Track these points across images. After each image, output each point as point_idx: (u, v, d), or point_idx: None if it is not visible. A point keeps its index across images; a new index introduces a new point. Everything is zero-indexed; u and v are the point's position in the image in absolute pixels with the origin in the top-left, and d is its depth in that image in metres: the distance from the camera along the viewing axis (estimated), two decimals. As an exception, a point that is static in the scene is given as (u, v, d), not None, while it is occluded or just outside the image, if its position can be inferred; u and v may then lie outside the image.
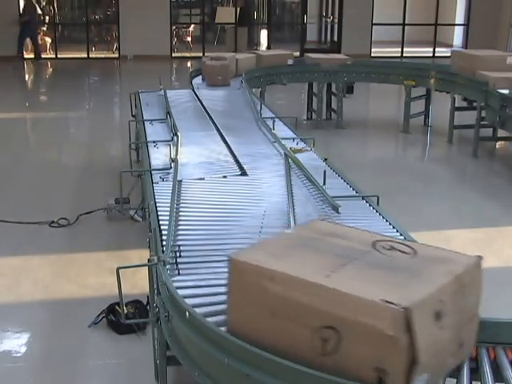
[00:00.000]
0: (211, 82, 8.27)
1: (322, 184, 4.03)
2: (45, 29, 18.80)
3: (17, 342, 4.07)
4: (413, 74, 9.72)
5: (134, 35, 17.20)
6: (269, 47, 18.58)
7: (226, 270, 2.99)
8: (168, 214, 3.46)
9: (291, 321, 2.08)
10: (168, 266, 2.90)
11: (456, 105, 9.07)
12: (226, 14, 19.67)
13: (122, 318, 3.50)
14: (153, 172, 4.36)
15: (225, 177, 4.33)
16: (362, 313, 1.93)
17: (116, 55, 18.16)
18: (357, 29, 18.04)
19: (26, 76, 16.69)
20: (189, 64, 17.19)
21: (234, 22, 18.90)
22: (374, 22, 18.43)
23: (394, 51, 18.48)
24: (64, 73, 16.43)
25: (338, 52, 18.27)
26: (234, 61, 8.92)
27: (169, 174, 4.29)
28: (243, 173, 4.42)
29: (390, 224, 3.53)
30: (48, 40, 18.20)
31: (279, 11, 21.98)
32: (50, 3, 19.12)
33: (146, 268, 3.24)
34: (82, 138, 9.72)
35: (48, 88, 15.06)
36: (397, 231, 3.43)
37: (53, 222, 5.90)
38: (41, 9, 19.48)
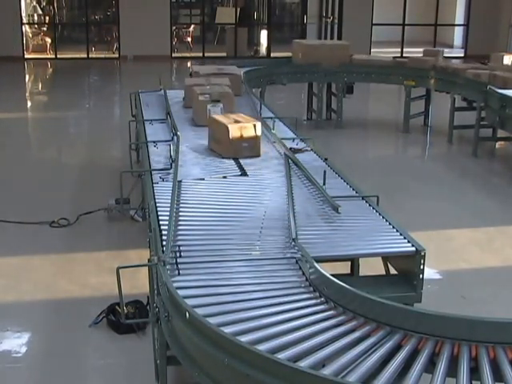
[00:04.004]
0: (200, 122, 5.70)
1: (322, 184, 4.04)
2: (45, 29, 18.78)
3: (17, 342, 4.07)
4: (413, 74, 9.72)
5: (134, 35, 17.18)
6: (269, 48, 18.56)
7: (225, 270, 3.02)
8: (168, 214, 3.47)
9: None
10: (168, 266, 2.90)
11: (456, 105, 9.07)
12: (226, 14, 19.65)
13: (122, 317, 3.50)
14: (153, 172, 4.36)
15: (225, 177, 4.34)
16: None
17: (116, 55, 18.13)
18: (357, 29, 18.01)
19: (26, 76, 16.67)
20: (189, 64, 17.17)
21: (234, 22, 18.88)
22: (373, 22, 18.42)
23: (394, 51, 18.46)
24: (64, 73, 16.41)
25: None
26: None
27: (169, 174, 4.30)
28: (243, 173, 4.42)
29: (389, 224, 3.54)
30: (48, 40, 18.17)
31: (279, 11, 21.94)
32: (50, 3, 19.08)
33: (146, 268, 3.25)
34: (83, 138, 9.71)
35: (48, 88, 15.05)
36: (396, 231, 3.44)
37: (53, 221, 5.90)
38: (41, 9, 19.45)
